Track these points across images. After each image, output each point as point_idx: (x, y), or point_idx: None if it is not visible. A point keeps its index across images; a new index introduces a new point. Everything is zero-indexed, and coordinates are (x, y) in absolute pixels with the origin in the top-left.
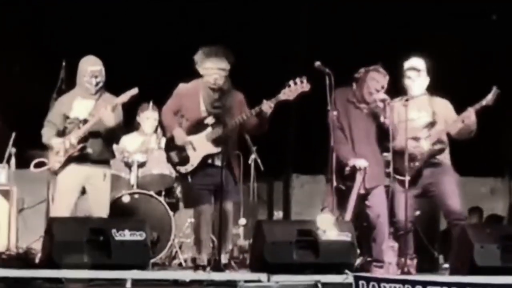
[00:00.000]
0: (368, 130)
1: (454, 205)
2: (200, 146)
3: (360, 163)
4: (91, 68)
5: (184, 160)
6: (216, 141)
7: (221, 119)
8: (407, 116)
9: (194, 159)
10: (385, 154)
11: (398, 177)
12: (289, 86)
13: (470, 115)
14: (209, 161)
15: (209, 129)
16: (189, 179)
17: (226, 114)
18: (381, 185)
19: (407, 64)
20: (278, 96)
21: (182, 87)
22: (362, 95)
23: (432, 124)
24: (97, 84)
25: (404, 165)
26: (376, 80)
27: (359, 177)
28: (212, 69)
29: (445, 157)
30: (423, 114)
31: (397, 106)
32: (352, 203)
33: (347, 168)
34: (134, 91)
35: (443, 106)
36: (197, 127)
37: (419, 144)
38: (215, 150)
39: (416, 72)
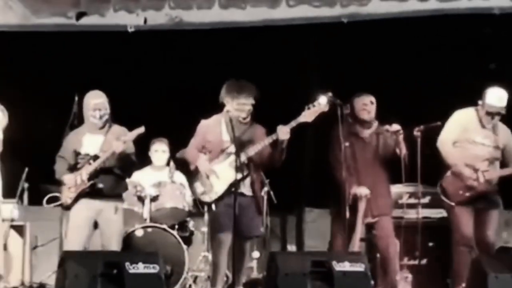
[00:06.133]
0: (373, 160)
1: (490, 237)
2: (224, 174)
3: (361, 191)
4: (93, 101)
5: (209, 189)
6: (239, 169)
7: (243, 147)
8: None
9: (219, 187)
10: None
11: (444, 198)
12: (309, 108)
13: None
14: (234, 189)
15: (232, 157)
16: (214, 208)
17: (248, 143)
18: (388, 215)
19: (494, 99)
20: (298, 118)
21: (204, 123)
22: (357, 120)
23: (495, 159)
24: (101, 117)
25: (455, 189)
26: (360, 98)
27: (361, 205)
28: (246, 105)
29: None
30: (487, 143)
31: (473, 126)
32: (359, 233)
33: (350, 197)
34: (141, 130)
35: (506, 137)
36: (220, 156)
37: (474, 175)
38: (239, 176)
39: (498, 111)
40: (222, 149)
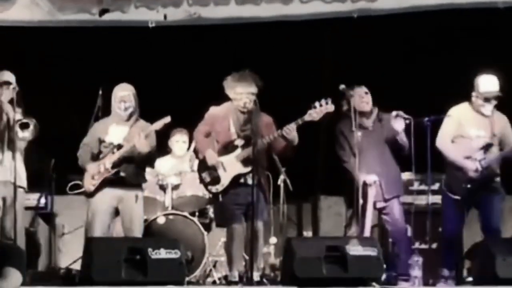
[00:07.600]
0: (380, 147)
1: (495, 224)
2: (231, 166)
3: (370, 178)
4: (120, 93)
5: (215, 180)
6: (245, 161)
7: (250, 140)
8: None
9: (225, 179)
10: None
11: (450, 195)
12: (315, 107)
13: None
14: (241, 180)
15: (238, 150)
16: (220, 199)
17: (254, 135)
18: (399, 198)
19: (488, 85)
20: (304, 117)
21: (212, 110)
22: (358, 112)
23: (489, 146)
24: (126, 109)
25: (458, 183)
26: (355, 91)
27: (371, 192)
28: (243, 93)
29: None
30: (482, 134)
31: (464, 122)
32: (369, 218)
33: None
34: (167, 119)
35: (502, 125)
36: (227, 148)
37: (474, 166)
38: (245, 170)
39: (495, 95)
40: (230, 141)
